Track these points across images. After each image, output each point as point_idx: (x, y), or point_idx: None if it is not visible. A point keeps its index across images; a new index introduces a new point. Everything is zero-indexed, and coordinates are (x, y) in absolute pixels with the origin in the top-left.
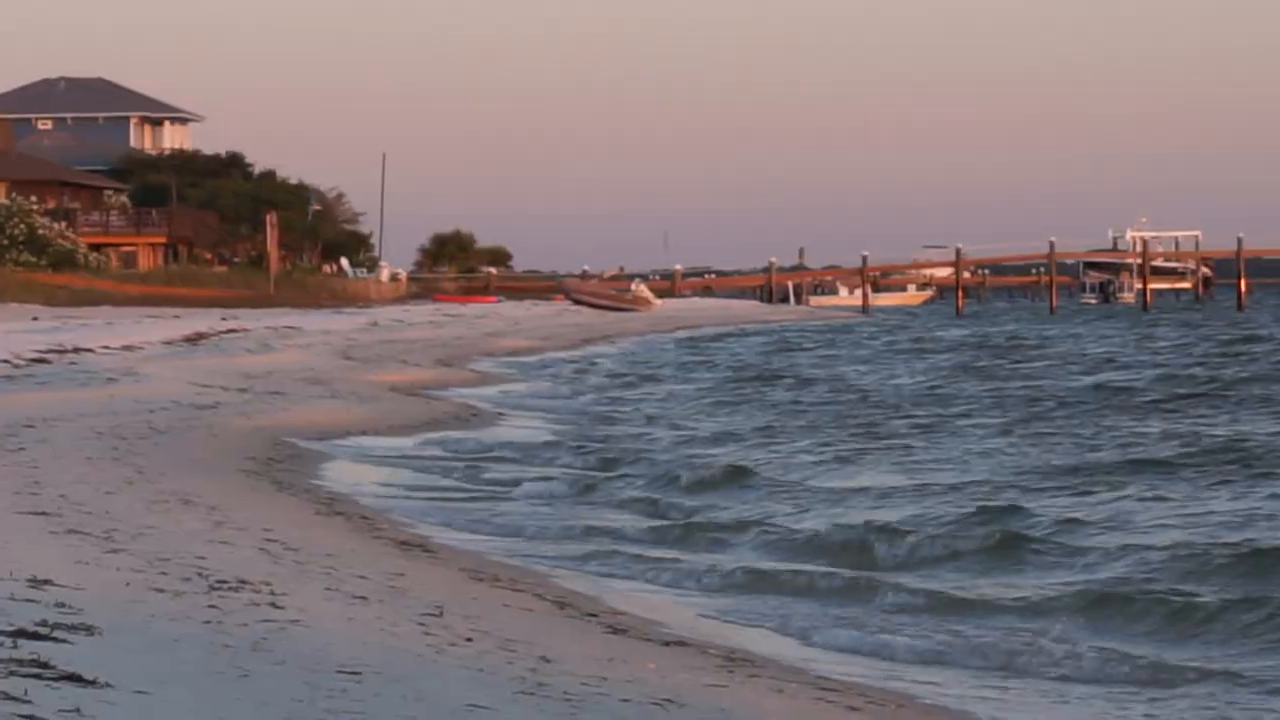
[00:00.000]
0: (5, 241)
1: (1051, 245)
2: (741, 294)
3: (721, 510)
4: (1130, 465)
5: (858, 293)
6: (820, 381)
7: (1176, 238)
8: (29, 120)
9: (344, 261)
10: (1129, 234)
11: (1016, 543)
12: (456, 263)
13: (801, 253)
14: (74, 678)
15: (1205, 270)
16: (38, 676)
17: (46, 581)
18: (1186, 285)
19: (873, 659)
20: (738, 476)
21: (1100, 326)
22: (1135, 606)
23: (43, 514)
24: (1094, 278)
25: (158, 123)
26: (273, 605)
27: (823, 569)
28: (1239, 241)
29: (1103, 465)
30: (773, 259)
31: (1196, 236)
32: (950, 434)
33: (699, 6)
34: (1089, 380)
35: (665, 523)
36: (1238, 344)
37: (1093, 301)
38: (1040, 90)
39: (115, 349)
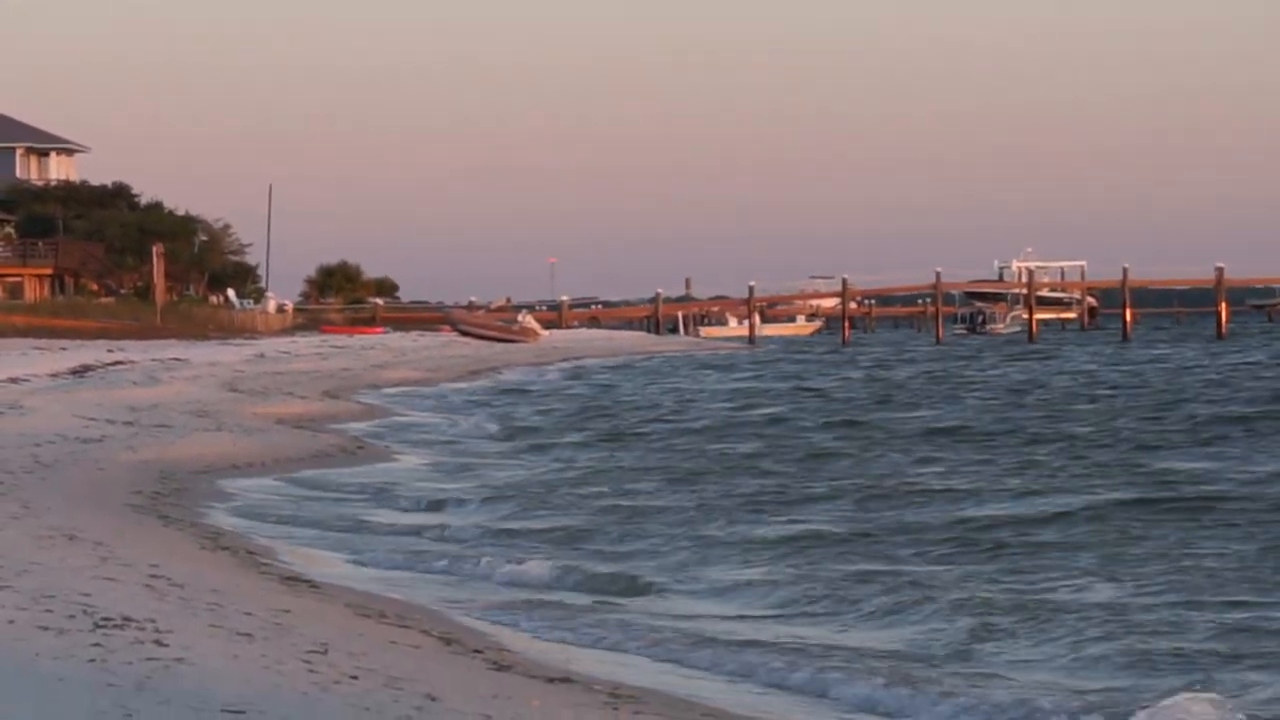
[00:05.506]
0: None
1: (937, 275)
2: (629, 325)
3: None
4: None
5: (746, 323)
6: None
7: (1062, 268)
8: None
9: (230, 293)
10: (1014, 264)
11: None
12: (343, 294)
13: (688, 283)
14: None
15: (1091, 300)
16: None
17: None
18: (1072, 315)
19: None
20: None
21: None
22: None
23: None
24: (973, 308)
25: (44, 153)
26: (157, 643)
27: None
28: (1124, 272)
29: None
30: (659, 290)
31: (1082, 266)
32: None
33: (570, 38)
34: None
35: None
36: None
37: (962, 333)
38: (923, 126)
39: (0, 381)
